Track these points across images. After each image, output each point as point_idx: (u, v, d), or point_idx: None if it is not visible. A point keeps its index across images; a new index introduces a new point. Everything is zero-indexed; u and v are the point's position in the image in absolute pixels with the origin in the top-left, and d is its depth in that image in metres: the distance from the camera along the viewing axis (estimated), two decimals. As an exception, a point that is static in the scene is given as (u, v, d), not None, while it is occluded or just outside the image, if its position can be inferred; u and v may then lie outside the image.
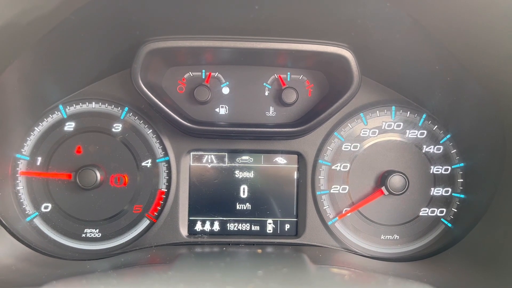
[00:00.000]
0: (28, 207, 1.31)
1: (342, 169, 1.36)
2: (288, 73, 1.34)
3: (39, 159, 1.31)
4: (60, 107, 1.32)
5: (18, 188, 1.31)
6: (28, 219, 1.31)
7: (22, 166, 1.31)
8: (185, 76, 1.33)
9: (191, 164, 1.37)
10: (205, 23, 1.11)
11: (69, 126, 1.32)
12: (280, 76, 1.33)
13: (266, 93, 1.34)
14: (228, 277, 0.82)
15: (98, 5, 0.95)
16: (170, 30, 1.15)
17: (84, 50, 1.15)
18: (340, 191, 1.36)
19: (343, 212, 1.36)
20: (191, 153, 1.37)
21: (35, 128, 1.32)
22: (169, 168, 1.34)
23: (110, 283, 0.76)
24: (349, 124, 1.36)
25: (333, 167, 1.36)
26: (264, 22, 1.09)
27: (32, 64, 1.09)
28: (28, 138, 1.31)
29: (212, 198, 1.37)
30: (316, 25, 1.11)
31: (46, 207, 1.32)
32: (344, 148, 1.36)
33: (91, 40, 1.11)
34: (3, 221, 1.24)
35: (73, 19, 0.94)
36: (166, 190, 1.34)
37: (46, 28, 0.96)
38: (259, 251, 1.21)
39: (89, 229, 1.33)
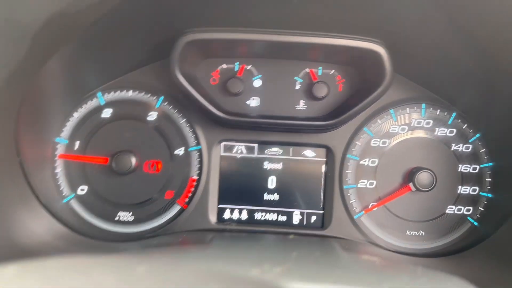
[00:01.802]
0: (65, 189, 1.36)
1: (370, 164, 1.38)
2: (320, 68, 1.35)
3: (77, 143, 1.36)
4: (99, 94, 1.37)
5: (56, 171, 1.36)
6: (65, 200, 1.36)
7: (60, 149, 1.36)
8: (219, 68, 1.35)
9: (222, 154, 1.40)
10: (242, 16, 1.14)
11: (106, 113, 1.37)
12: (311, 71, 1.35)
13: (297, 87, 1.36)
14: (264, 257, 0.84)
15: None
16: (208, 22, 1.18)
17: (126, 39, 1.19)
18: (368, 185, 1.38)
19: (370, 207, 1.37)
20: (222, 143, 1.40)
21: (74, 113, 1.37)
22: (200, 156, 1.37)
23: (152, 257, 0.79)
24: (378, 120, 1.37)
25: (361, 162, 1.38)
26: (300, 16, 1.11)
27: (77, 52, 1.13)
28: (66, 124, 1.36)
29: (241, 187, 1.40)
30: (350, 20, 1.12)
31: (82, 190, 1.37)
32: (373, 143, 1.37)
33: (133, 30, 1.15)
34: (43, 202, 1.29)
35: (121, 8, 0.98)
36: (197, 178, 1.37)
37: (93, 17, 0.99)
38: (292, 236, 1.23)
39: (122, 212, 1.37)
